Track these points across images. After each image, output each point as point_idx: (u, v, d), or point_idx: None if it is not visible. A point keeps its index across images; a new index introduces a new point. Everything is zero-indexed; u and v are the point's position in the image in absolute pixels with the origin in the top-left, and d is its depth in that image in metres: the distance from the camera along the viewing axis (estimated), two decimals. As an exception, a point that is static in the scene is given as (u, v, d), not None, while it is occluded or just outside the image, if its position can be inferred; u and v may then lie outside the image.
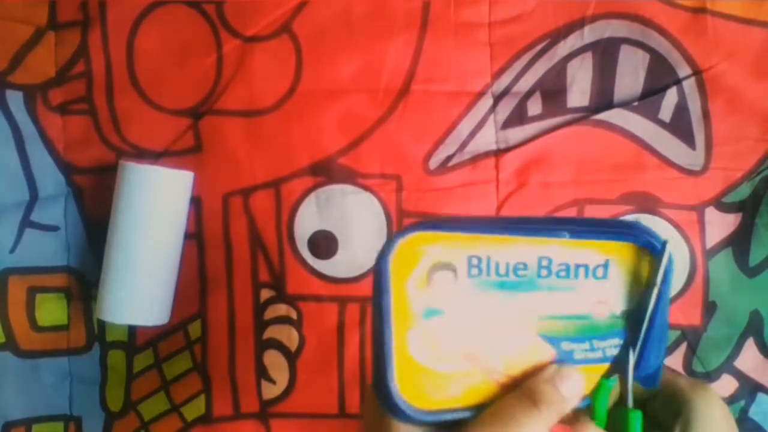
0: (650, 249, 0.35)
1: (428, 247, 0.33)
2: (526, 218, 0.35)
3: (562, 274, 0.34)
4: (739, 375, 0.58)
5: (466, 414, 0.33)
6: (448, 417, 0.33)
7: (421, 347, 0.32)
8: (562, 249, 0.34)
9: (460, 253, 0.33)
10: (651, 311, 0.34)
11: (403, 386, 0.32)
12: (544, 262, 0.34)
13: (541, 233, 0.34)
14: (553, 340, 0.34)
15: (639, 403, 0.35)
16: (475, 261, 0.33)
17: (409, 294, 0.32)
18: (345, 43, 0.59)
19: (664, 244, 0.34)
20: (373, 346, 0.32)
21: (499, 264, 0.33)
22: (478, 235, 0.33)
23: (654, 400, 0.36)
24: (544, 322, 0.34)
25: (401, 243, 0.32)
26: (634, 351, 0.35)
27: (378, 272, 0.32)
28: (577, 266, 0.34)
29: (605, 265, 0.35)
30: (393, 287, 0.32)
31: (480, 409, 0.33)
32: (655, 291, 0.34)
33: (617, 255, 0.35)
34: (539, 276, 0.34)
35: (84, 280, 0.60)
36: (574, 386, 0.33)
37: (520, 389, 0.33)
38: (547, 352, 0.34)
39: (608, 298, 0.35)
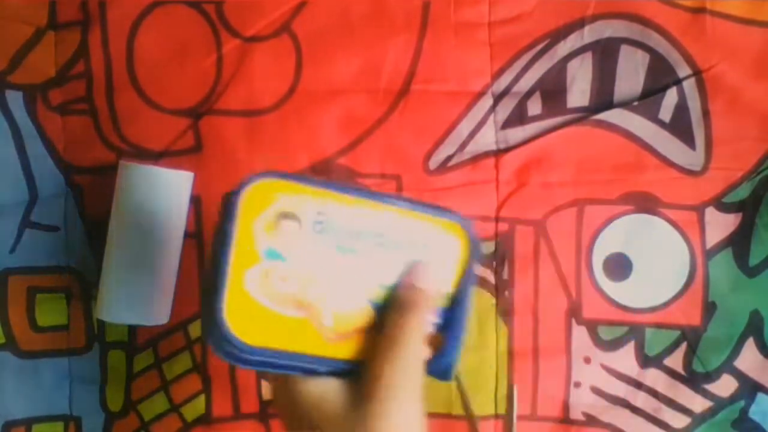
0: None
1: (280, 195, 0.35)
2: (371, 191, 0.37)
3: (393, 244, 0.37)
4: (739, 375, 0.58)
5: (293, 359, 0.35)
6: (275, 359, 0.35)
7: (258, 286, 0.34)
8: (399, 221, 0.37)
9: (309, 206, 0.36)
10: (455, 301, 0.38)
11: (232, 319, 0.33)
12: (381, 230, 0.37)
13: (383, 199, 0.37)
14: (380, 308, 0.37)
15: None
16: (321, 218, 0.36)
17: (255, 233, 0.34)
18: (345, 43, 0.59)
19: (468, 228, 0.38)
20: (206, 281, 0.34)
21: (341, 225, 0.36)
22: (328, 192, 0.36)
23: None
24: (373, 288, 0.37)
25: (255, 185, 0.34)
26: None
27: (227, 206, 0.34)
28: (410, 241, 0.37)
29: (431, 243, 0.38)
30: (240, 223, 0.34)
31: (303, 357, 0.35)
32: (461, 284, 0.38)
33: (446, 232, 0.38)
34: (376, 244, 0.37)
35: (84, 280, 0.60)
36: (428, 276, 0.37)
37: (393, 301, 0.36)
38: (371, 317, 0.37)
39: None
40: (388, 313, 0.37)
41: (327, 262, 0.36)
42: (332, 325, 0.36)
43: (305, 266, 0.36)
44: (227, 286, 0.34)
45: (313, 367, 0.36)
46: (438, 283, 0.38)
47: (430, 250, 0.38)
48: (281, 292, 0.35)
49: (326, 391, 0.36)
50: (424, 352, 0.37)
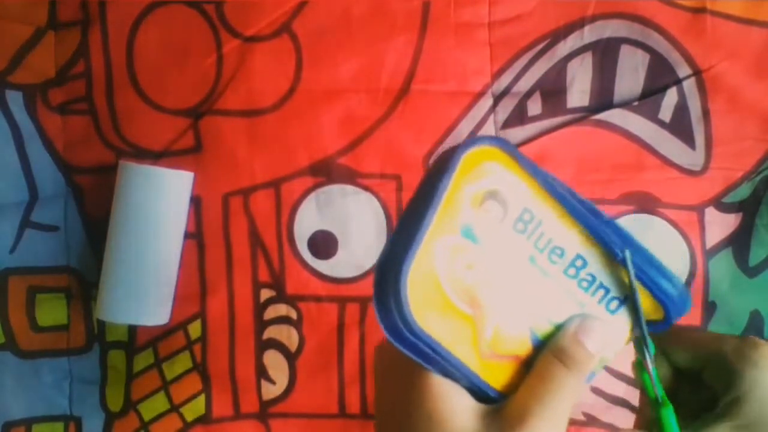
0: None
1: (499, 169, 0.31)
2: (594, 208, 0.33)
3: (585, 284, 0.33)
4: (739, 375, 0.58)
5: (446, 358, 0.31)
6: (430, 349, 0.31)
7: (443, 261, 0.31)
8: (601, 259, 0.33)
9: (520, 197, 0.32)
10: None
11: (412, 288, 0.30)
12: (578, 263, 0.33)
13: (597, 234, 0.33)
14: (538, 343, 0.33)
15: (691, 376, 0.34)
16: (527, 216, 0.32)
17: (461, 202, 0.31)
18: (345, 43, 0.59)
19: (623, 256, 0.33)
20: (397, 233, 0.31)
21: (543, 235, 0.32)
22: (544, 190, 0.32)
23: (702, 372, 0.34)
24: (541, 319, 0.33)
25: (479, 148, 0.31)
26: (645, 345, 0.34)
27: (445, 160, 0.30)
28: (601, 286, 0.33)
29: (621, 300, 0.33)
30: (451, 186, 0.30)
31: (456, 361, 0.31)
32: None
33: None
34: (566, 272, 0.33)
35: (84, 280, 0.60)
36: (598, 340, 0.32)
37: (550, 349, 0.32)
38: (526, 348, 0.33)
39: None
40: (546, 357, 0.32)
41: (514, 268, 0.32)
42: (490, 339, 0.32)
43: (493, 261, 0.32)
44: (420, 246, 0.30)
45: (458, 375, 0.32)
46: (607, 349, 0.33)
47: (618, 306, 0.33)
48: (460, 278, 0.31)
49: (461, 408, 0.31)
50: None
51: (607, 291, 0.33)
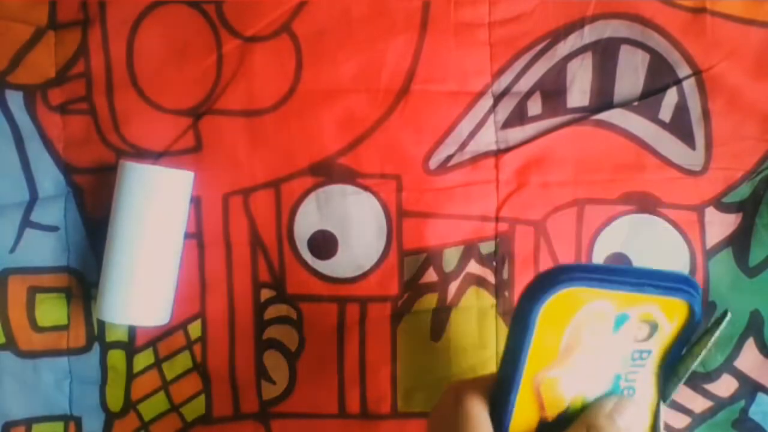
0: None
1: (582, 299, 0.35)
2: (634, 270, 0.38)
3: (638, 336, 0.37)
4: (739, 375, 0.58)
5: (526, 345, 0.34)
6: (527, 332, 0.34)
7: (589, 309, 0.34)
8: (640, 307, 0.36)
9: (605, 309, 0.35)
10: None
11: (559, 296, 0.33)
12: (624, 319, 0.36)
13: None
14: (568, 416, 0.38)
15: None
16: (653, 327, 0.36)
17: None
18: (345, 43, 0.59)
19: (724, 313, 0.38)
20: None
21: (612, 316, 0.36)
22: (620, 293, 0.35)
23: None
24: (578, 392, 0.38)
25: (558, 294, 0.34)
26: (661, 391, 0.38)
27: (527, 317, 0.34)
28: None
29: (654, 326, 0.36)
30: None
31: (522, 355, 0.35)
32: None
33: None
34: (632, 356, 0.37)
35: (84, 280, 0.60)
36: (630, 418, 0.36)
37: (582, 422, 0.36)
38: (557, 409, 0.38)
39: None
40: (576, 427, 0.36)
41: (611, 357, 0.37)
42: (548, 378, 0.36)
43: (608, 343, 0.36)
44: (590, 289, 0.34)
45: (506, 380, 0.36)
46: (635, 421, 0.37)
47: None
48: (583, 325, 0.35)
49: None
50: None
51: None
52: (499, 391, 0.36)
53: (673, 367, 0.38)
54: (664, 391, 0.38)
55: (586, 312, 0.34)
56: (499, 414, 0.36)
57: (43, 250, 0.59)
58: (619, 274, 0.35)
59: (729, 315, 0.37)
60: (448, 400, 0.38)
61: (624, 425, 0.36)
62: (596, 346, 0.36)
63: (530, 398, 0.36)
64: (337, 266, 0.59)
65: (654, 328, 0.36)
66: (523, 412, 0.36)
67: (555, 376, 0.36)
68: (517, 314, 0.35)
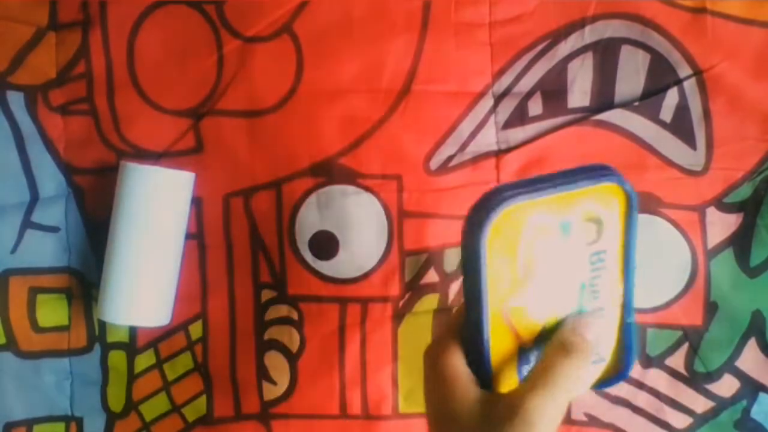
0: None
1: (615, 209, 0.37)
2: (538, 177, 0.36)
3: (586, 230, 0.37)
4: (741, 375, 0.58)
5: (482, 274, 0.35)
6: (478, 259, 0.34)
7: (533, 226, 0.35)
8: (571, 203, 0.36)
9: (609, 241, 0.37)
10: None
11: (504, 216, 0.34)
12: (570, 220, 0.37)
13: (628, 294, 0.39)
14: (545, 335, 0.38)
15: None
16: (603, 256, 0.37)
17: (578, 204, 0.36)
18: (346, 44, 0.59)
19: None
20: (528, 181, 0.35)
21: (600, 278, 0.38)
22: (624, 251, 0.38)
23: None
24: (550, 313, 0.38)
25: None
26: (625, 277, 0.39)
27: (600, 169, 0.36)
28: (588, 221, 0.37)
29: (599, 222, 0.37)
30: (585, 188, 0.35)
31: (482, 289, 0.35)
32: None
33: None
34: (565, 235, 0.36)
35: (85, 280, 0.60)
36: (597, 330, 0.38)
37: (553, 343, 0.37)
38: (531, 333, 0.38)
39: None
40: (549, 347, 0.37)
41: (568, 279, 0.37)
42: (514, 307, 0.37)
43: (561, 262, 0.37)
44: (525, 202, 0.34)
45: (473, 315, 0.36)
46: (601, 336, 0.38)
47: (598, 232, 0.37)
48: (533, 247, 0.36)
49: (470, 396, 0.36)
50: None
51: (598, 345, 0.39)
52: (470, 333, 0.36)
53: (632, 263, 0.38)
54: (627, 286, 0.39)
55: (531, 228, 0.35)
56: (477, 354, 0.36)
57: (44, 250, 0.59)
58: (544, 180, 0.35)
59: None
60: (426, 369, 0.39)
61: (592, 337, 0.37)
62: (553, 263, 0.36)
63: (503, 331, 0.37)
64: (338, 267, 0.59)
65: (599, 224, 0.36)
66: (499, 346, 0.37)
67: (522, 304, 0.37)
68: (465, 252, 0.35)
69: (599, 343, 0.38)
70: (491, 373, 0.37)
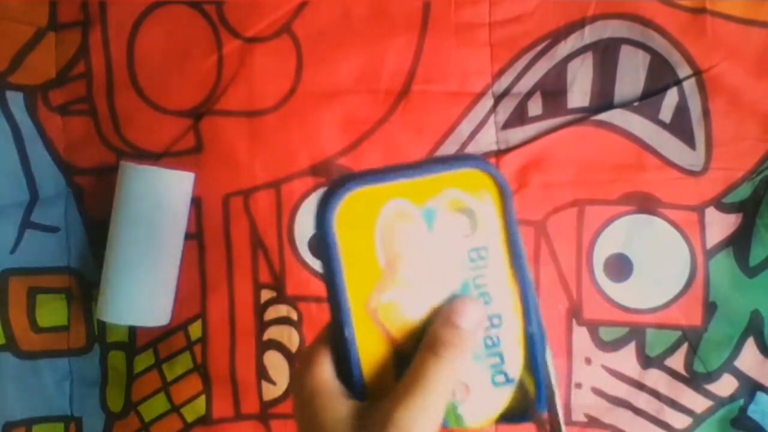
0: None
1: (488, 200, 0.33)
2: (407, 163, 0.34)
3: (488, 342, 0.33)
4: (740, 375, 0.58)
5: (338, 270, 0.32)
6: (330, 250, 0.32)
7: (390, 212, 0.32)
8: (516, 331, 0.33)
9: (489, 234, 0.33)
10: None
11: (351, 200, 0.31)
12: (495, 321, 0.33)
13: (526, 302, 0.33)
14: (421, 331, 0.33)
15: None
16: (483, 253, 0.33)
17: (443, 191, 0.32)
18: (345, 44, 0.59)
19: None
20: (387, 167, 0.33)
21: (484, 276, 0.33)
22: (509, 243, 0.33)
23: None
24: (425, 306, 0.33)
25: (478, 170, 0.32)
26: (518, 276, 0.34)
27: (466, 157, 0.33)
28: (498, 354, 0.33)
29: (508, 378, 0.33)
30: (448, 174, 0.32)
31: (340, 285, 0.32)
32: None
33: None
34: (428, 225, 0.33)
35: (84, 280, 0.60)
36: (473, 316, 0.32)
37: (424, 341, 0.32)
38: (403, 333, 0.33)
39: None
40: (420, 352, 0.32)
41: (443, 277, 0.33)
42: (384, 303, 0.32)
43: (430, 256, 0.33)
44: (379, 186, 0.32)
45: (338, 317, 0.32)
46: (481, 319, 0.33)
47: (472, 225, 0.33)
48: (394, 237, 0.32)
49: (338, 412, 0.32)
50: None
51: (502, 361, 0.34)
52: (335, 336, 0.32)
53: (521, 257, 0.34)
54: (523, 288, 0.34)
55: (387, 216, 0.32)
56: (345, 360, 0.32)
57: (44, 250, 0.59)
58: (399, 167, 0.33)
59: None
60: (292, 382, 0.35)
61: (468, 326, 0.32)
62: (421, 255, 0.33)
63: (371, 331, 0.32)
64: (337, 267, 0.59)
65: (471, 215, 0.32)
66: (370, 350, 0.32)
67: (390, 300, 0.32)
68: (316, 240, 0.32)
69: (480, 331, 0.33)
70: (363, 382, 0.32)
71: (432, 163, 0.33)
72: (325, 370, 0.32)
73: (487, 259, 0.33)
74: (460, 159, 0.33)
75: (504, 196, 0.33)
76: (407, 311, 0.33)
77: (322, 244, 0.31)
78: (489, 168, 0.32)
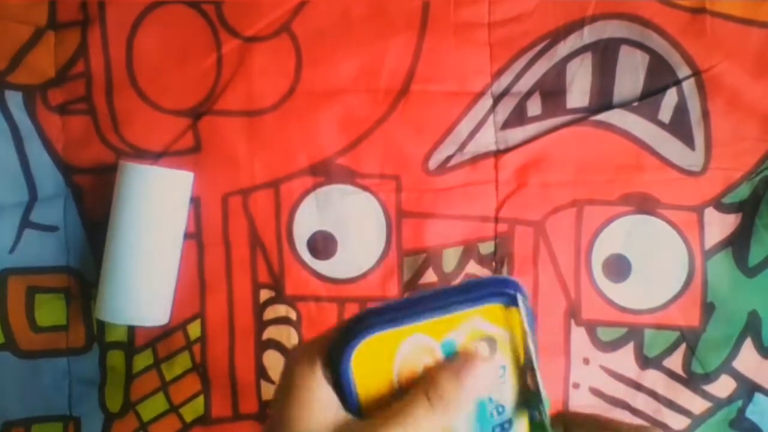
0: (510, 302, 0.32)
1: (504, 327, 0.32)
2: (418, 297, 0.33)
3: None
4: (738, 375, 0.58)
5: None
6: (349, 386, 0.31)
7: (407, 350, 0.31)
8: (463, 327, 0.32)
9: (504, 357, 0.32)
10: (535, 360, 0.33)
11: (367, 346, 0.31)
12: (506, 425, 0.33)
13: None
14: None
15: None
16: (500, 371, 0.32)
17: (465, 324, 0.32)
18: (344, 43, 0.59)
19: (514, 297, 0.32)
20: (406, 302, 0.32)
21: (502, 394, 0.32)
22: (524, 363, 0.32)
23: None
24: None
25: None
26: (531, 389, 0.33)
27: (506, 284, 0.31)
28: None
29: (491, 340, 0.33)
30: (472, 310, 0.31)
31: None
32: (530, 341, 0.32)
33: (491, 319, 0.32)
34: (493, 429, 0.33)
35: (83, 280, 0.60)
36: (481, 379, 0.31)
37: (422, 381, 0.31)
38: None
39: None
40: (416, 388, 0.31)
41: None
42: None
43: None
44: (402, 328, 0.31)
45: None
46: (487, 384, 0.32)
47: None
48: (412, 368, 0.32)
49: (323, 416, 0.31)
50: None
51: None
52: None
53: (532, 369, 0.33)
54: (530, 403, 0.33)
55: (406, 352, 0.31)
56: None
57: (43, 250, 0.59)
58: (417, 304, 0.31)
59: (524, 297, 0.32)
60: (285, 369, 0.33)
61: (470, 387, 0.31)
62: None
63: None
64: (336, 266, 0.59)
65: (491, 341, 0.32)
66: None
67: None
68: (332, 380, 0.31)
69: (481, 391, 0.32)
70: None
71: (455, 298, 0.31)
72: (319, 375, 0.31)
73: (504, 377, 0.32)
74: (483, 290, 0.32)
75: (524, 316, 0.32)
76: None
77: (339, 382, 0.31)
78: (513, 301, 0.31)
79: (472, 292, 0.32)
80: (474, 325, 0.32)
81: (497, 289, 0.31)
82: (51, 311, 0.60)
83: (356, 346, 0.31)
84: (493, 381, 0.32)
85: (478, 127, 0.59)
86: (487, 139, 0.59)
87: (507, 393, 0.33)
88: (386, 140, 0.59)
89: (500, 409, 0.33)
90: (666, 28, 0.58)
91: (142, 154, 0.59)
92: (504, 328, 0.32)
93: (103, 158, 0.59)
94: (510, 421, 0.33)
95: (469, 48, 0.59)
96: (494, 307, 0.31)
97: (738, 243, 0.58)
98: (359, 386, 0.31)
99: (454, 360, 0.31)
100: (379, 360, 0.31)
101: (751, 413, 0.58)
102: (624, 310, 0.58)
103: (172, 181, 0.57)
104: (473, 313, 0.31)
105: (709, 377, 0.58)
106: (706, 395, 0.58)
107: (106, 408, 0.60)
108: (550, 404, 0.33)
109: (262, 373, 0.59)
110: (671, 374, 0.58)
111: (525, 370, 0.33)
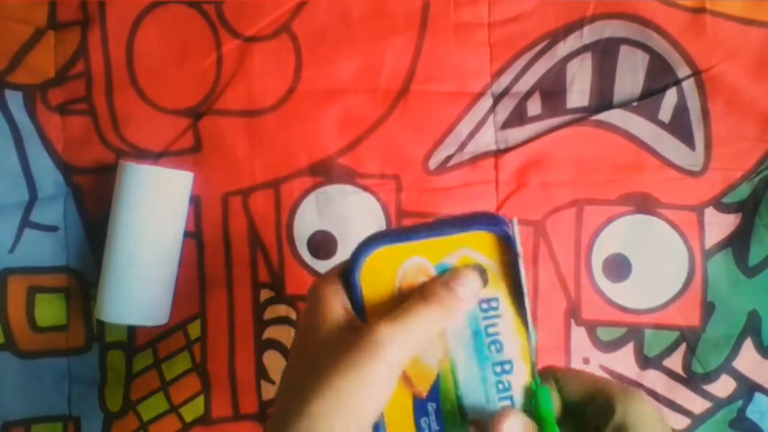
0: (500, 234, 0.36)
1: (495, 260, 0.36)
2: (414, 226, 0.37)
3: (500, 387, 0.36)
4: (738, 375, 0.58)
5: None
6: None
7: (408, 268, 0.36)
8: (525, 377, 0.36)
9: (497, 288, 0.36)
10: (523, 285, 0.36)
11: (375, 257, 0.36)
12: (507, 366, 0.36)
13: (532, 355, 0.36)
14: None
15: (573, 411, 0.36)
16: (494, 303, 0.36)
17: (456, 250, 0.36)
18: (344, 43, 0.59)
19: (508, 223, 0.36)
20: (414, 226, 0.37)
21: (496, 326, 0.37)
22: (515, 299, 0.36)
23: (587, 406, 0.36)
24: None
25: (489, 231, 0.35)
26: (526, 326, 0.36)
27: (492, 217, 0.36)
28: (511, 399, 0.36)
29: (481, 270, 0.36)
30: (462, 234, 0.36)
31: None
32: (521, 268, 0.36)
33: (480, 249, 0.36)
34: (493, 365, 0.37)
35: (83, 280, 0.60)
36: (470, 287, 0.35)
37: (418, 290, 0.36)
38: None
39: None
40: (414, 295, 0.35)
41: (456, 326, 0.37)
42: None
43: None
44: (403, 245, 0.36)
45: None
46: (476, 293, 0.36)
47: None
48: (412, 283, 0.36)
49: (335, 320, 0.35)
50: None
51: (513, 405, 0.36)
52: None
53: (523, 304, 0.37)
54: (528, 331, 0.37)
55: (406, 271, 0.36)
56: None
57: (43, 250, 0.59)
58: (416, 228, 0.36)
59: (515, 220, 0.36)
60: (310, 299, 0.37)
61: (463, 295, 0.35)
62: None
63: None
64: (336, 266, 0.59)
65: (481, 271, 0.36)
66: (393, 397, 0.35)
67: None
68: (346, 288, 0.36)
69: (471, 304, 0.36)
70: None
71: (448, 224, 0.36)
72: (337, 290, 0.36)
73: (498, 310, 0.36)
74: (473, 220, 0.36)
75: (511, 251, 0.36)
76: (424, 355, 0.36)
77: (350, 294, 0.36)
78: (499, 229, 0.35)
79: (467, 220, 0.36)
80: (465, 253, 0.36)
81: (489, 220, 0.36)
82: (51, 311, 0.60)
83: (365, 258, 0.36)
84: (480, 290, 0.36)
85: (478, 127, 0.59)
86: (487, 139, 0.59)
87: (503, 330, 0.37)
88: (386, 140, 0.59)
89: (498, 346, 0.36)
90: (666, 28, 0.58)
91: (142, 154, 0.59)
92: (494, 260, 0.36)
93: (103, 158, 0.59)
94: (510, 363, 0.36)
95: (469, 48, 0.59)
96: (485, 236, 0.36)
97: (738, 243, 0.58)
98: (366, 298, 0.36)
99: (446, 274, 0.36)
100: (383, 276, 0.36)
101: (751, 413, 0.58)
102: (624, 309, 0.58)
103: (172, 180, 0.57)
104: (466, 238, 0.36)
105: (709, 377, 0.58)
106: (706, 395, 0.58)
107: (106, 408, 0.60)
108: (537, 338, 0.36)
109: (262, 372, 0.59)
110: (671, 374, 0.58)
111: (516, 303, 0.36)
